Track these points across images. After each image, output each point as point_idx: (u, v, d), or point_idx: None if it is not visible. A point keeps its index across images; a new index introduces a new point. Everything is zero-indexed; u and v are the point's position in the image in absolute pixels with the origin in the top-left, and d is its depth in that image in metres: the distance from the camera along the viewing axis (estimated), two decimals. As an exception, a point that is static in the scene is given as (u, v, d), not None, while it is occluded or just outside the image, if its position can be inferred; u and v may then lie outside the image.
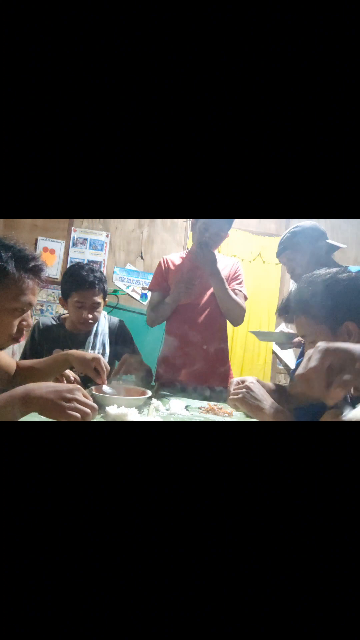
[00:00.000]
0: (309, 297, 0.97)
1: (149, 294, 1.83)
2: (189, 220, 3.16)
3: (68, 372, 1.28)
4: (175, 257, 1.78)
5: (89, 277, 1.45)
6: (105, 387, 1.21)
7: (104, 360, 1.16)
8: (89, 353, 1.17)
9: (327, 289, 0.95)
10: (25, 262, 0.91)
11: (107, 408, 1.11)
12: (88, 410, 0.78)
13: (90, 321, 1.48)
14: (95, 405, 0.81)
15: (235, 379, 1.32)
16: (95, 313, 1.50)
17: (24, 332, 0.96)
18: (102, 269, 3.46)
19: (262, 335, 2.12)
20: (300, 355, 1.61)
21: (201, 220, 1.62)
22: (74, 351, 1.17)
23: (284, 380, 3.58)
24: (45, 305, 3.40)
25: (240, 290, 1.68)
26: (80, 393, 0.80)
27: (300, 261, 1.45)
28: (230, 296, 1.61)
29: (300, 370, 0.68)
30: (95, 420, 1.07)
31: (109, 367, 1.17)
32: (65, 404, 0.77)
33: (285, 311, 1.04)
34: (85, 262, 3.05)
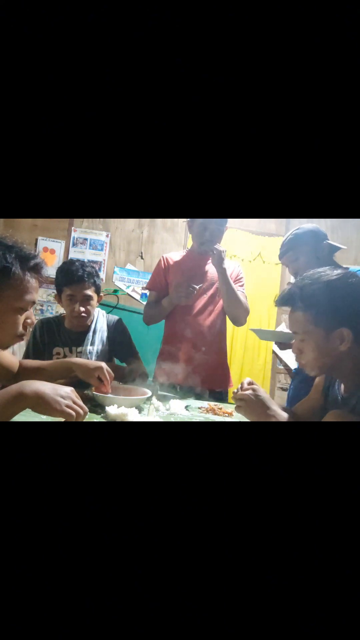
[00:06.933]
0: (313, 295, 0.93)
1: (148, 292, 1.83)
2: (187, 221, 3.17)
3: None
4: (176, 255, 1.77)
5: (78, 271, 1.49)
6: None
7: (107, 368, 1.17)
8: (92, 362, 1.19)
9: (333, 291, 0.92)
10: (26, 261, 0.92)
11: (107, 408, 1.11)
12: (81, 411, 0.81)
13: (83, 314, 1.50)
14: (87, 409, 0.83)
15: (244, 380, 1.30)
16: (88, 307, 1.52)
17: (28, 329, 0.97)
18: (102, 269, 3.47)
19: (262, 333, 2.11)
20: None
21: (198, 221, 1.63)
22: (77, 359, 1.20)
23: (284, 380, 3.58)
24: (46, 305, 3.40)
25: (242, 292, 1.68)
26: (74, 394, 0.82)
27: (302, 262, 1.46)
28: (237, 295, 1.61)
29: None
30: (95, 420, 1.08)
31: (112, 375, 1.19)
32: (61, 400, 0.78)
33: (285, 303, 1.00)
34: (85, 261, 3.05)
